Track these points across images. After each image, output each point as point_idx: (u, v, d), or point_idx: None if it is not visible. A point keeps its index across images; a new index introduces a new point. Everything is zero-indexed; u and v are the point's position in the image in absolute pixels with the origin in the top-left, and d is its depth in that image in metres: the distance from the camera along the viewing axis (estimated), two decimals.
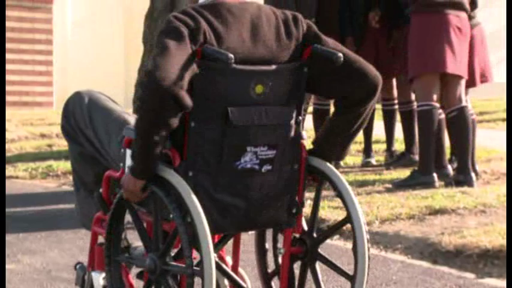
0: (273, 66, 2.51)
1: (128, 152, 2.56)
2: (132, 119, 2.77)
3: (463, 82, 5.24)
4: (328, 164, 2.66)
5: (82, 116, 2.83)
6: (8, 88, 11.99)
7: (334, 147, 2.70)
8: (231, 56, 2.37)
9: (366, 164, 6.02)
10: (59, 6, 13.86)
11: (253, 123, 2.51)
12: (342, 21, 5.70)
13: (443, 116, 5.27)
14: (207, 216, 2.41)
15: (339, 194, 2.63)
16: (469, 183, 5.11)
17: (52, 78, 13.10)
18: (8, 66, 12.31)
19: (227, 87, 2.47)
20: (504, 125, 7.64)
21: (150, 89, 2.34)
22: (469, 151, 5.19)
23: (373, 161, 6.09)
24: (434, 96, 5.13)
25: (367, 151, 6.14)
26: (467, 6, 5.21)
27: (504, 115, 8.05)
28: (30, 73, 12.88)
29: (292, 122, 2.59)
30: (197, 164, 2.48)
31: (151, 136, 2.39)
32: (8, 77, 12.12)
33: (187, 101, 2.36)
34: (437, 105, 5.16)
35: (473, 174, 5.19)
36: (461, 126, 5.16)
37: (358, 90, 2.59)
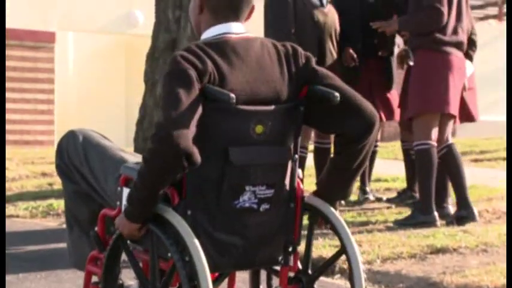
0: (273, 106, 2.52)
1: (125, 190, 2.57)
2: (128, 156, 2.79)
3: (452, 121, 5.29)
4: (323, 201, 2.67)
5: (77, 153, 2.84)
6: (9, 127, 12.02)
7: (338, 186, 2.69)
8: (233, 96, 2.37)
9: (364, 200, 6.02)
10: (61, 45, 13.94)
11: (252, 162, 2.51)
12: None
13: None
14: (206, 254, 2.41)
15: (334, 230, 2.63)
16: (472, 218, 5.11)
17: (53, 116, 13.14)
18: (9, 105, 12.35)
19: (228, 127, 2.47)
20: (505, 163, 7.64)
21: (164, 145, 2.33)
22: (466, 186, 5.19)
23: (370, 196, 6.09)
24: (433, 136, 5.14)
25: (363, 189, 6.13)
26: (465, 46, 5.26)
27: (505, 154, 8.05)
28: (31, 112, 12.92)
29: (290, 161, 2.60)
30: (196, 203, 2.48)
31: (156, 188, 2.41)
32: (10, 116, 12.16)
33: (198, 158, 2.37)
34: (435, 144, 5.17)
35: (475, 209, 5.19)
36: (454, 162, 5.17)
37: (355, 126, 2.59)
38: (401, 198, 5.97)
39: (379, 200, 6.11)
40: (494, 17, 16.60)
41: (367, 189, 6.12)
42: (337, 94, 2.52)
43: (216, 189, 2.49)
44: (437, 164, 5.16)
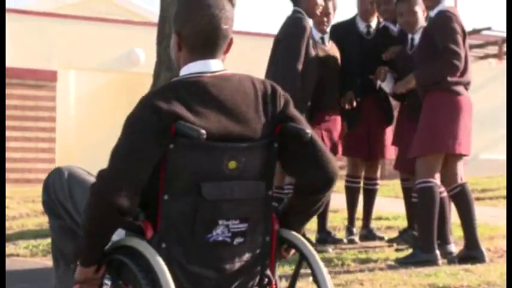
0: (247, 143, 2.57)
1: None
2: None
3: (462, 160, 5.26)
4: (300, 236, 2.72)
5: (62, 189, 2.90)
6: (10, 165, 12.02)
7: (292, 225, 2.75)
8: (203, 132, 2.43)
9: (350, 241, 5.95)
10: (62, 83, 14.00)
11: (225, 197, 2.55)
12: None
13: (445, 194, 5.25)
14: (179, 287, 2.46)
15: (308, 263, 2.66)
16: (482, 259, 5.09)
17: (54, 155, 13.15)
18: (11, 144, 12.37)
19: (200, 163, 2.52)
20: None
21: (101, 200, 2.43)
22: (476, 226, 5.17)
23: (356, 238, 6.03)
24: (437, 174, 5.13)
25: (350, 229, 6.07)
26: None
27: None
28: (33, 150, 12.94)
29: (264, 196, 2.65)
30: (170, 236, 2.52)
31: (98, 235, 2.50)
32: (11, 154, 12.17)
33: (133, 212, 2.46)
34: (439, 182, 5.16)
35: (484, 249, 5.16)
36: (466, 202, 5.15)
37: (316, 179, 2.67)
38: (402, 238, 5.94)
39: (380, 239, 6.08)
40: (494, 56, 16.69)
41: (354, 230, 6.06)
42: (308, 131, 2.60)
43: (190, 223, 2.53)
44: (441, 202, 5.15)
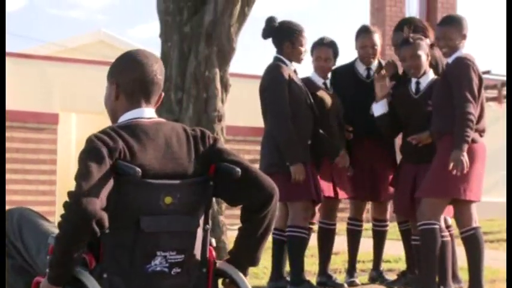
0: (182, 180, 2.82)
1: None
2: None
3: (475, 204, 5.25)
4: (235, 269, 2.93)
5: (12, 229, 3.07)
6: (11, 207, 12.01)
7: (246, 252, 2.98)
8: (139, 170, 2.69)
9: (350, 284, 5.92)
10: (64, 126, 14.04)
11: (162, 230, 2.78)
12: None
13: (447, 238, 5.24)
14: None
15: None
16: None
17: (55, 197, 13.14)
18: (11, 187, 12.37)
19: (139, 199, 2.75)
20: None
21: (76, 211, 2.62)
22: (483, 270, 5.15)
23: (357, 280, 6.00)
24: (441, 217, 5.14)
25: (351, 271, 6.04)
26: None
27: None
28: (33, 193, 12.94)
29: (200, 229, 2.89)
30: (111, 267, 2.74)
31: (71, 251, 2.67)
32: (11, 197, 12.16)
33: (106, 223, 2.67)
34: (442, 224, 5.15)
35: None
36: (475, 246, 5.13)
37: (256, 198, 2.91)
38: (401, 281, 5.91)
39: (382, 281, 6.04)
40: (493, 99, 16.77)
41: (355, 273, 6.01)
42: (238, 169, 2.85)
43: (129, 254, 2.75)
44: (444, 245, 5.14)
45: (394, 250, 7.27)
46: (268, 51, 31.15)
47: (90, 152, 2.71)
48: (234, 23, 6.64)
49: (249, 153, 13.70)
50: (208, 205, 2.92)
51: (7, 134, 12.13)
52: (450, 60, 5.19)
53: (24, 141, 12.88)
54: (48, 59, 13.85)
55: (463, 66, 5.09)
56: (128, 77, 2.92)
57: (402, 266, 6.48)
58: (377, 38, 5.91)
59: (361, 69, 5.93)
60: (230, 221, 7.29)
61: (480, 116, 5.15)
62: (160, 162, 2.80)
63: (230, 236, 6.94)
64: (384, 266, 6.63)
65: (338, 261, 6.84)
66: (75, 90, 13.43)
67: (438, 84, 5.27)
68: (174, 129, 2.90)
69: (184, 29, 6.69)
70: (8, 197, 11.75)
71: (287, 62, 5.57)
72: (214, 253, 2.95)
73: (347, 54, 6.06)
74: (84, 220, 2.61)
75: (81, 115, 15.41)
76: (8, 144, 12.16)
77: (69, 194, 2.69)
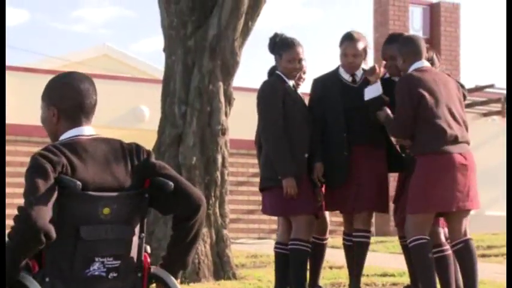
0: (118, 193, 3.08)
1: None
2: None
3: (467, 215, 5.24)
4: (169, 274, 3.22)
5: None
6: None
7: (177, 257, 3.27)
8: (79, 183, 2.96)
9: None
10: None
11: (100, 238, 3.05)
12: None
13: (448, 252, 5.23)
14: None
15: None
16: None
17: None
18: (16, 200, 12.36)
19: (79, 210, 3.02)
20: None
21: (26, 225, 2.88)
22: (477, 282, 5.14)
23: None
24: (427, 231, 5.14)
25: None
26: (466, 136, 5.28)
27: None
28: None
29: (135, 237, 3.16)
30: (53, 272, 3.01)
31: (18, 260, 2.94)
32: (15, 211, 12.16)
33: (53, 234, 2.91)
34: (442, 238, 5.15)
35: None
36: (467, 257, 5.13)
37: (185, 208, 3.21)
38: None
39: None
40: (497, 113, 16.76)
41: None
42: (171, 183, 3.13)
43: (70, 260, 3.02)
44: (448, 260, 5.14)
45: (398, 264, 7.26)
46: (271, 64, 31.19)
47: (36, 169, 2.98)
48: (238, 37, 6.66)
49: (253, 167, 13.69)
50: (143, 215, 3.19)
51: (12, 148, 12.14)
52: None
53: (29, 155, 12.83)
54: (52, 73, 13.87)
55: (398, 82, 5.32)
56: (68, 103, 3.21)
57: (406, 280, 6.47)
58: (361, 45, 5.65)
59: (346, 76, 5.69)
60: (234, 235, 7.31)
61: (449, 125, 5.18)
62: (99, 176, 3.07)
63: (234, 250, 6.94)
64: (388, 280, 6.61)
65: (342, 275, 6.83)
66: None
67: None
68: (112, 144, 3.20)
69: (188, 43, 6.71)
70: (12, 211, 11.75)
71: (284, 77, 5.58)
72: (149, 259, 3.24)
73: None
74: (33, 233, 2.87)
75: None
76: (12, 158, 12.15)
77: (19, 208, 2.94)
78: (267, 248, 9.24)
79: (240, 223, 14.30)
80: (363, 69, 5.73)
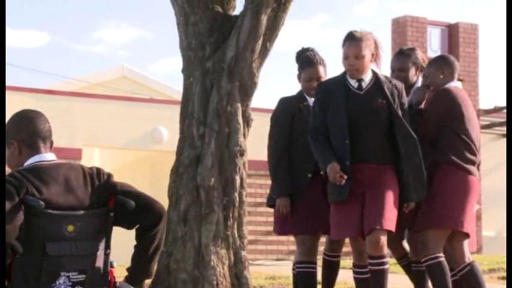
0: (81, 211, 3.37)
1: None
2: None
3: (468, 240, 5.25)
4: (131, 286, 3.49)
5: None
6: None
7: (141, 267, 3.54)
8: (42, 203, 3.25)
9: None
10: (87, 161, 14.12)
11: (65, 254, 3.32)
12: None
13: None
14: None
15: None
16: None
17: None
18: None
19: (44, 227, 3.30)
20: None
21: None
22: None
23: None
24: (441, 250, 5.13)
25: None
26: None
27: None
28: None
29: (100, 253, 3.42)
30: (20, 285, 3.27)
31: None
32: None
33: (19, 249, 3.23)
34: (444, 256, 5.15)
35: None
36: (476, 281, 5.09)
37: (147, 219, 3.52)
38: None
39: None
40: None
41: None
42: (132, 202, 3.45)
43: (37, 274, 3.28)
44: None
45: (402, 285, 7.22)
46: (290, 85, 31.25)
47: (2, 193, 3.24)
48: (256, 59, 6.68)
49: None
50: (108, 232, 3.47)
51: None
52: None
53: None
54: (72, 94, 13.98)
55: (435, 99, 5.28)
56: (24, 132, 3.51)
57: None
58: (364, 46, 5.10)
59: (352, 81, 5.27)
60: (252, 256, 7.31)
61: (477, 149, 5.18)
62: (62, 197, 3.35)
63: (252, 271, 6.93)
64: None
65: None
66: (98, 125, 13.53)
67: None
68: (73, 168, 3.49)
69: (207, 64, 6.74)
70: None
71: (305, 94, 5.66)
72: (114, 274, 3.50)
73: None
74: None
75: (104, 150, 15.50)
76: None
77: None
78: (286, 270, 9.21)
79: (259, 244, 14.28)
80: (375, 75, 5.37)
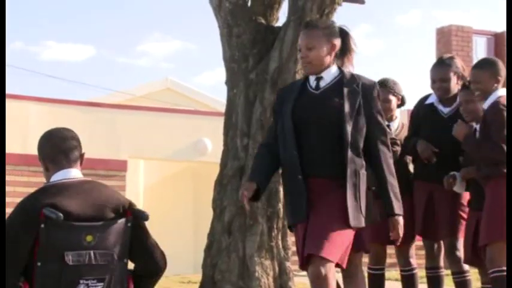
0: (100, 222, 3.50)
1: None
2: None
3: None
4: None
5: None
6: None
7: None
8: (61, 215, 3.37)
9: None
10: (132, 173, 14.23)
11: (84, 263, 3.43)
12: None
13: None
14: None
15: None
16: None
17: None
18: None
19: (63, 237, 3.42)
20: None
21: None
22: None
23: None
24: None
25: None
26: None
27: None
28: None
29: (118, 262, 3.52)
30: None
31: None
32: None
33: (16, 284, 3.38)
34: None
35: None
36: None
37: (147, 269, 3.68)
38: None
39: None
40: None
41: None
42: (147, 214, 3.62)
43: (57, 283, 3.40)
44: None
45: None
46: None
47: (9, 227, 3.43)
48: (299, 69, 6.68)
49: None
50: (126, 242, 3.57)
51: None
52: (486, 105, 5.16)
53: None
54: (117, 107, 14.11)
55: (497, 111, 5.07)
56: (47, 148, 3.67)
57: None
58: (319, 35, 4.21)
59: (312, 80, 4.75)
60: (297, 267, 7.30)
61: None
62: (82, 209, 3.47)
63: (297, 282, 6.91)
64: None
65: None
66: (143, 137, 13.63)
67: (479, 129, 5.24)
68: (93, 183, 3.65)
69: (250, 75, 6.76)
70: None
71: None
72: (132, 283, 3.62)
73: (413, 100, 5.99)
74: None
75: (149, 162, 15.61)
76: None
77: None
78: None
79: None
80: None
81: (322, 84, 4.27)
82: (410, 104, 6.08)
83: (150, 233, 3.74)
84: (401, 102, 5.84)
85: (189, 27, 32.29)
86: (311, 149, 4.16)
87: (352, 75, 4.30)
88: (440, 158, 5.53)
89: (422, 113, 5.74)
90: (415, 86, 30.65)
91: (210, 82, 33.60)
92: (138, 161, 15.16)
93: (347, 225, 4.07)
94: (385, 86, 5.71)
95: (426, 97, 5.82)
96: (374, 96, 4.27)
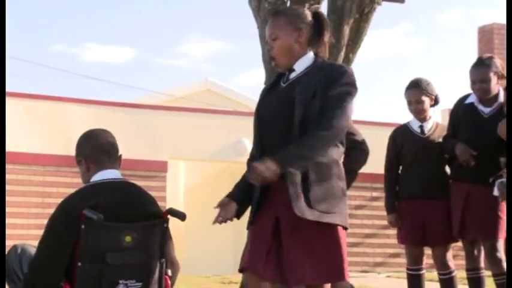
0: (138, 223, 3.55)
1: None
2: None
3: None
4: None
5: (16, 260, 3.76)
6: None
7: None
8: (101, 216, 3.41)
9: None
10: (173, 173, 14.29)
11: (123, 263, 3.50)
12: None
13: None
14: None
15: None
16: None
17: None
18: None
19: (104, 238, 3.47)
20: None
21: (28, 285, 3.53)
22: None
23: None
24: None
25: None
26: None
27: None
28: None
29: (156, 262, 3.59)
30: None
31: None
32: None
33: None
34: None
35: None
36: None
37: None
38: None
39: None
40: None
41: None
42: (185, 214, 3.67)
43: (98, 283, 3.46)
44: None
45: None
46: (373, 96, 31.02)
47: (51, 224, 3.51)
48: None
49: (355, 200, 13.59)
50: (163, 242, 3.63)
51: None
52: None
53: None
54: (157, 108, 14.19)
55: None
56: (88, 148, 3.71)
57: None
58: (281, 23, 3.64)
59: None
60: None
61: None
62: (122, 209, 3.53)
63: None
64: None
65: None
66: (183, 138, 13.69)
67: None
68: (132, 184, 3.71)
69: None
70: None
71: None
72: (169, 281, 3.68)
73: (454, 99, 5.93)
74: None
75: (189, 162, 15.68)
76: None
77: (30, 265, 3.62)
78: (371, 282, 9.15)
79: (350, 257, 14.19)
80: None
81: (292, 76, 3.66)
82: (451, 103, 6.02)
83: (172, 235, 3.83)
84: (435, 102, 5.81)
85: (228, 28, 32.39)
86: (272, 150, 3.52)
87: (324, 63, 3.64)
88: (479, 159, 5.47)
89: (462, 112, 5.68)
90: (456, 85, 30.39)
91: (249, 83, 33.68)
92: (179, 161, 15.23)
93: None
94: (418, 86, 5.72)
95: (466, 96, 5.74)
96: (335, 79, 3.52)
